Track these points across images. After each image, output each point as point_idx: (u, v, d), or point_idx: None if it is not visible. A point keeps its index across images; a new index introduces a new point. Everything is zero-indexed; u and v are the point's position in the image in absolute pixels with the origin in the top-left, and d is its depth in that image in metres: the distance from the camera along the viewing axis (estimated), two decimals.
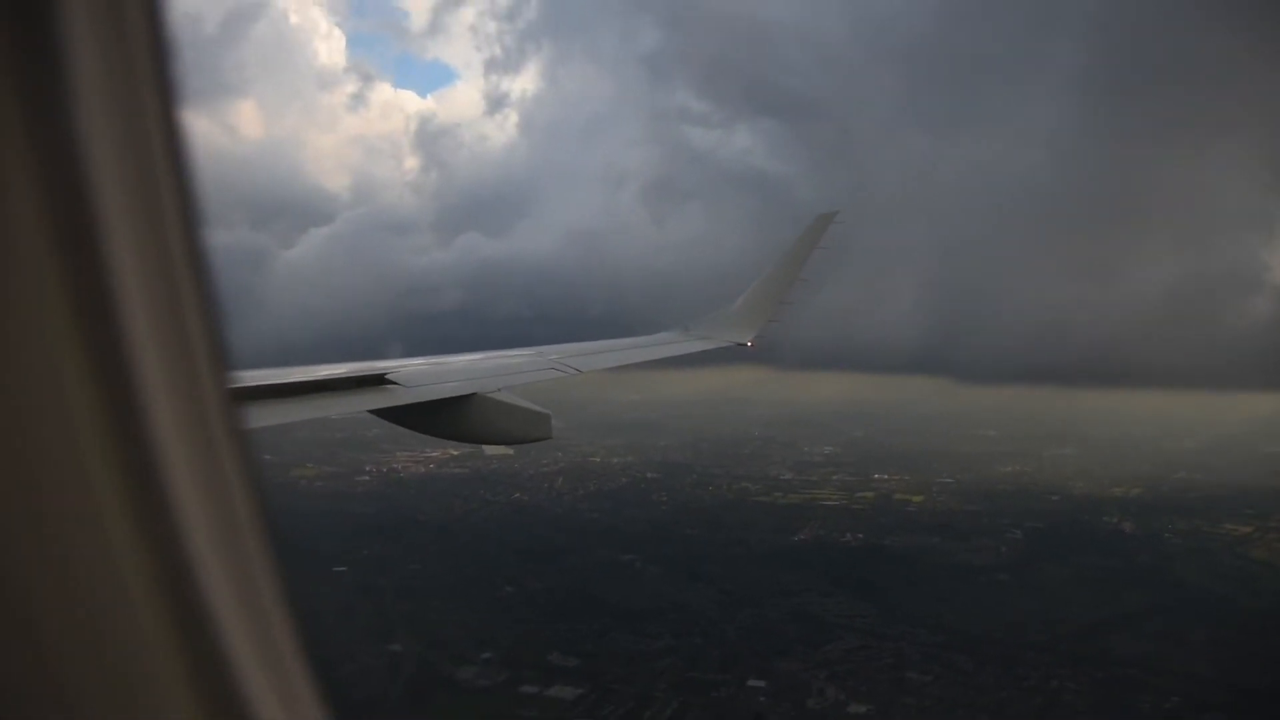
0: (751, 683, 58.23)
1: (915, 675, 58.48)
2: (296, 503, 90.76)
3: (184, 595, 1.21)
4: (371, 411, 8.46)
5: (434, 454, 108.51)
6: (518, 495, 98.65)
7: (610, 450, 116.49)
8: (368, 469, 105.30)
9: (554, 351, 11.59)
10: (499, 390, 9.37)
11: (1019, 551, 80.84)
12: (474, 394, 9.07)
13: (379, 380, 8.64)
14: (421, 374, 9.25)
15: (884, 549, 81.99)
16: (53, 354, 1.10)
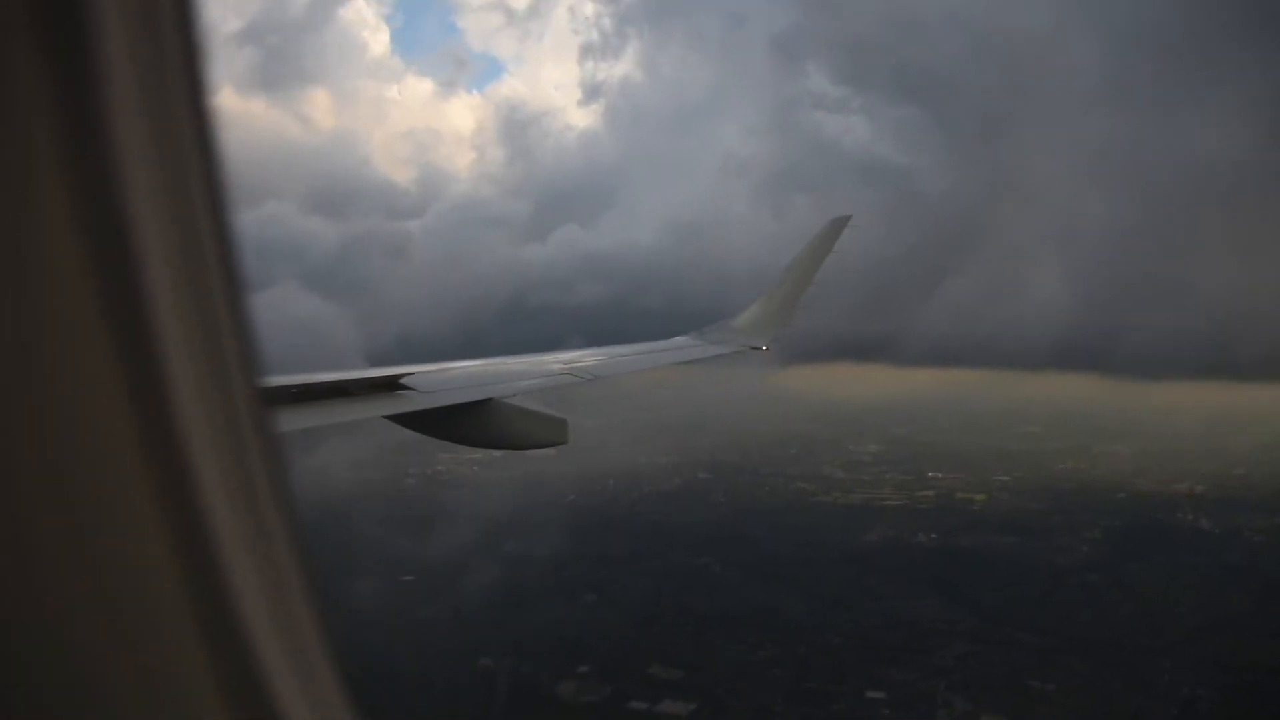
0: (871, 694, 55.94)
1: (1037, 683, 56.28)
2: (347, 507, 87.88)
3: (213, 596, 1.23)
4: (387, 417, 8.32)
5: (475, 455, 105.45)
6: (572, 498, 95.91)
7: (655, 451, 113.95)
8: (411, 472, 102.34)
9: (568, 356, 11.84)
10: (514, 395, 9.40)
11: (1102, 551, 78.80)
12: (489, 400, 9.08)
13: (394, 385, 8.61)
14: (438, 379, 9.25)
15: (962, 550, 79.79)
16: (83, 356, 1.12)
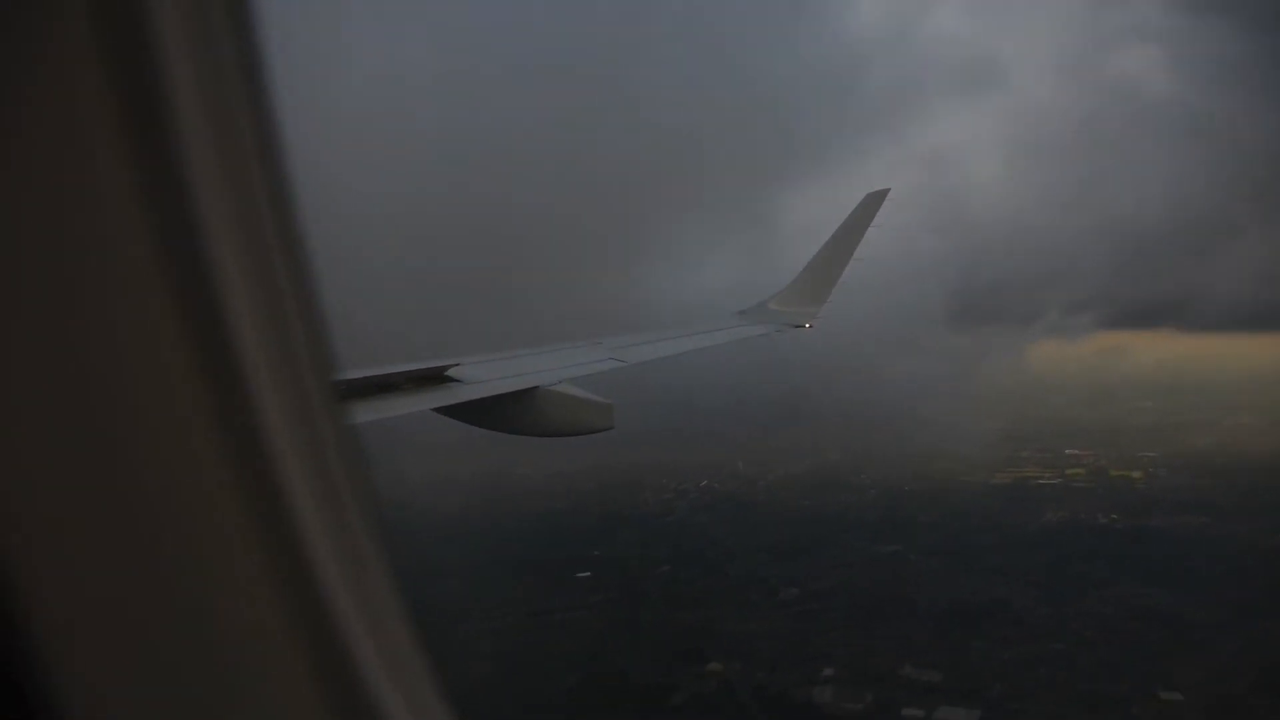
0: (1165, 695, 49.83)
1: None
2: (461, 502, 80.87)
3: (302, 591, 1.26)
4: (435, 410, 8.45)
5: (582, 442, 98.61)
6: (705, 483, 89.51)
7: (764, 432, 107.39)
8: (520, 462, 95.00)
9: (610, 342, 12.09)
10: (560, 383, 9.50)
11: None
12: (535, 387, 9.23)
13: (440, 378, 8.78)
14: (482, 369, 9.41)
15: (1161, 532, 73.79)
16: (161, 357, 1.13)
